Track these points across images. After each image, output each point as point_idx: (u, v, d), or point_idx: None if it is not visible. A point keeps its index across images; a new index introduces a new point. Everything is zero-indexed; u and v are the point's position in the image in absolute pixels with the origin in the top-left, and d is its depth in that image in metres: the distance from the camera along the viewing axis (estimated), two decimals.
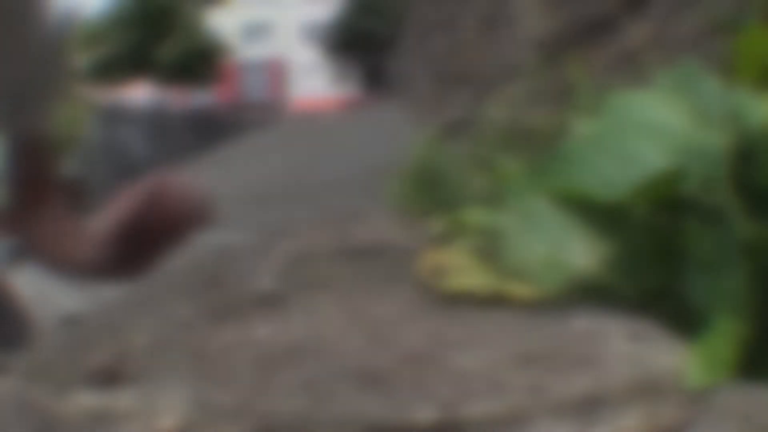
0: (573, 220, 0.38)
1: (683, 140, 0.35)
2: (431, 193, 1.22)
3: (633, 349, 0.29)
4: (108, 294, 0.53)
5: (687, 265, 0.38)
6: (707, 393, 0.26)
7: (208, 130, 11.58)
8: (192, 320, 0.31)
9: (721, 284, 0.33)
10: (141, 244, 0.52)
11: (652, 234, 0.37)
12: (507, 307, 0.35)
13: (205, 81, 13.58)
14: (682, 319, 0.38)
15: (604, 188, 0.38)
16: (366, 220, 0.51)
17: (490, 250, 0.41)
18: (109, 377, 0.25)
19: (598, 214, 0.37)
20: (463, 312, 0.35)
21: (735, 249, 0.34)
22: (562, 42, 2.11)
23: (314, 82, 23.62)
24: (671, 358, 0.28)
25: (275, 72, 23.14)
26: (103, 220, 0.52)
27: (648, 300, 0.35)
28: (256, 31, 23.75)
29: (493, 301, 0.36)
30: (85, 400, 0.24)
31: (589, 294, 0.36)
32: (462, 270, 0.37)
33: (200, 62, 13.13)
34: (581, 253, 0.37)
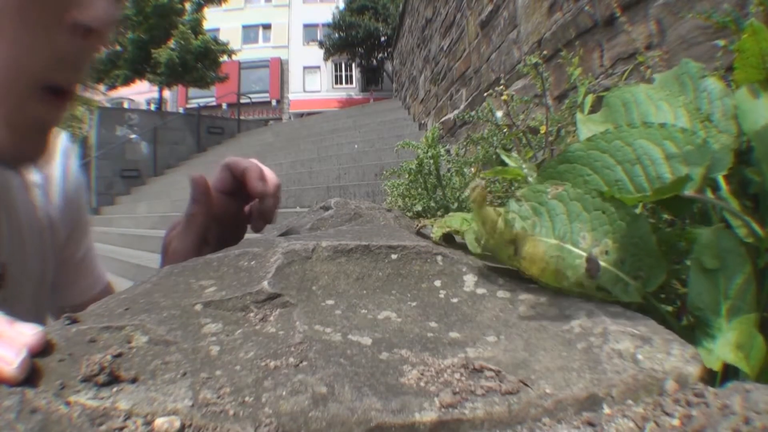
0: (582, 214, 0.38)
1: (685, 141, 0.35)
2: (431, 192, 1.22)
3: (633, 349, 0.29)
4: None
5: (688, 264, 0.38)
6: (707, 393, 0.26)
7: (208, 130, 11.58)
8: (192, 320, 0.31)
9: (722, 285, 0.33)
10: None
11: (656, 233, 0.37)
12: (508, 307, 0.35)
13: (205, 81, 13.57)
14: (683, 318, 0.38)
15: (612, 188, 0.38)
16: (367, 220, 0.51)
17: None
18: (109, 377, 0.25)
19: (606, 210, 0.37)
20: (464, 312, 0.35)
21: (736, 249, 0.34)
22: (562, 42, 2.11)
23: (314, 82, 23.62)
24: (672, 357, 0.28)
25: (275, 72, 23.13)
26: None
27: (648, 299, 0.35)
28: (256, 31, 23.78)
29: (494, 302, 0.36)
30: (85, 400, 0.24)
31: (593, 286, 0.36)
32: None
33: (200, 62, 13.11)
34: (588, 247, 0.37)
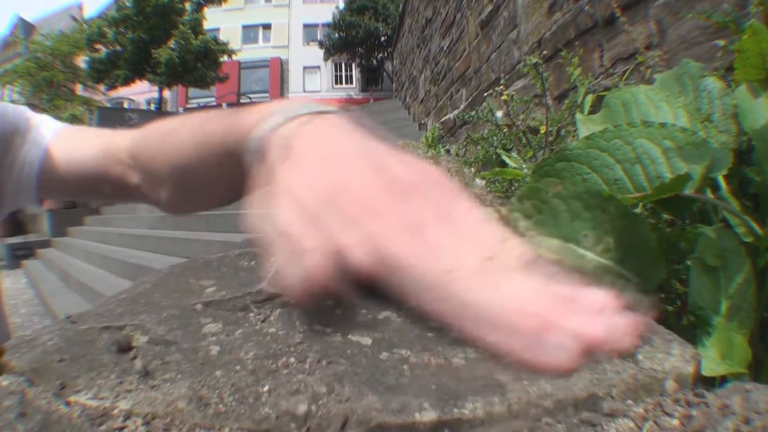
0: (583, 213, 0.38)
1: (685, 140, 0.35)
2: None
3: (633, 349, 0.29)
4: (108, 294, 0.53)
5: (688, 264, 0.38)
6: (707, 393, 0.26)
7: None
8: (192, 320, 0.31)
9: (722, 284, 0.33)
10: None
11: (655, 232, 0.37)
12: None
13: (205, 81, 13.58)
14: (683, 318, 0.38)
15: (611, 187, 0.38)
16: None
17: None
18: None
19: (606, 208, 0.37)
20: None
21: (736, 249, 0.34)
22: (562, 42, 2.11)
23: (314, 82, 23.62)
24: (672, 357, 0.28)
25: (275, 72, 23.13)
26: None
27: (650, 297, 0.35)
28: (256, 31, 23.78)
29: None
30: (85, 400, 0.24)
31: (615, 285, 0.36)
32: None
33: (200, 62, 13.11)
34: (590, 245, 0.37)
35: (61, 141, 0.63)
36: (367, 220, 0.27)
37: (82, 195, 0.65)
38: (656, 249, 0.35)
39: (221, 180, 0.46)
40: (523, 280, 0.23)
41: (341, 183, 0.29)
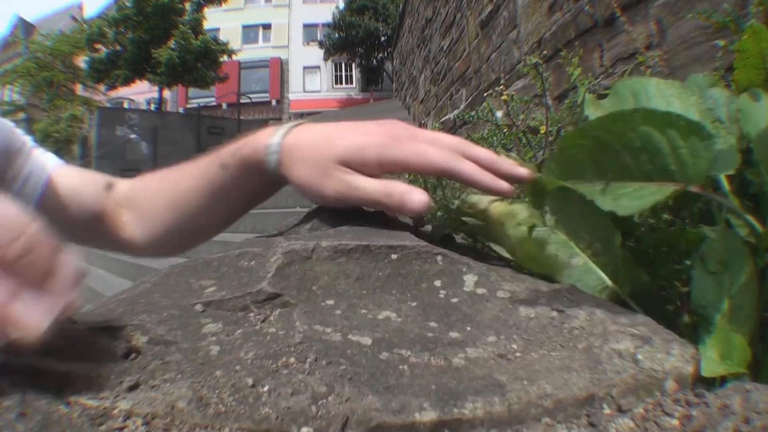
0: (588, 215, 0.38)
1: (690, 131, 0.35)
2: (431, 192, 1.21)
3: (633, 349, 0.29)
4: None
5: (690, 264, 0.38)
6: (707, 393, 0.26)
7: (209, 130, 11.58)
8: (192, 320, 0.31)
9: (726, 283, 0.33)
10: None
11: (656, 232, 0.37)
12: (508, 307, 0.35)
13: (205, 81, 13.58)
14: (684, 318, 0.38)
15: (619, 175, 0.37)
16: (367, 220, 0.51)
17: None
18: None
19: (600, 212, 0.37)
20: (464, 312, 0.35)
21: (739, 249, 0.34)
22: (562, 42, 2.11)
23: (314, 82, 23.61)
24: (672, 357, 0.28)
25: (275, 72, 23.12)
26: None
27: (649, 299, 0.36)
28: (256, 31, 23.78)
29: (494, 302, 0.36)
30: (85, 400, 0.24)
31: (593, 286, 0.36)
32: None
33: (200, 62, 13.11)
34: (586, 245, 0.37)
35: (64, 171, 0.67)
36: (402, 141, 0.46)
37: (76, 230, 0.67)
38: (629, 258, 0.36)
39: (233, 193, 0.56)
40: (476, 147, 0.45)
41: (365, 131, 0.47)
